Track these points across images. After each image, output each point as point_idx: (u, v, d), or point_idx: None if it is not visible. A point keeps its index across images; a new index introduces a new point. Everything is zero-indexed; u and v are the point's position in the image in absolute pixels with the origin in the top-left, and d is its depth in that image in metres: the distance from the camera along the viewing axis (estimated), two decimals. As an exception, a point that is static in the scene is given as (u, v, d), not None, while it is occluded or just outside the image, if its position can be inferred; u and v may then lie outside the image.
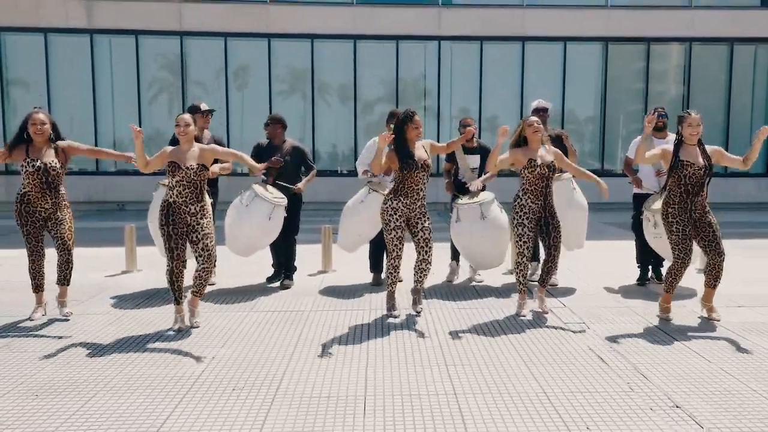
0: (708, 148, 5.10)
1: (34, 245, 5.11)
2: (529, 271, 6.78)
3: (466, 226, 6.06)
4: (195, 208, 4.89)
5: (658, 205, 5.80)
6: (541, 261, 5.70)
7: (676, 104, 16.45)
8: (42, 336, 4.76)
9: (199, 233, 4.89)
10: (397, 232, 5.19)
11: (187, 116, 5.00)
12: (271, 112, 16.02)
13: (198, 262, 4.92)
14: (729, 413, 3.39)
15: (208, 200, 5.05)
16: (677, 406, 3.48)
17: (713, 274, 5.03)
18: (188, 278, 5.11)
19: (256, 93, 16.37)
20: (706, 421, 3.30)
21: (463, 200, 6.24)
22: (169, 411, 3.39)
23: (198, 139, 5.30)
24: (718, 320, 5.11)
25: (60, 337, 4.71)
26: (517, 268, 5.40)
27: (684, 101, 16.40)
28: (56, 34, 16.01)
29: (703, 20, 16.18)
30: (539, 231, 5.40)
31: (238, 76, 16.51)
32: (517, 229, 5.30)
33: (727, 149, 16.56)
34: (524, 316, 5.32)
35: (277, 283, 6.60)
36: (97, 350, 4.43)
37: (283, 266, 6.60)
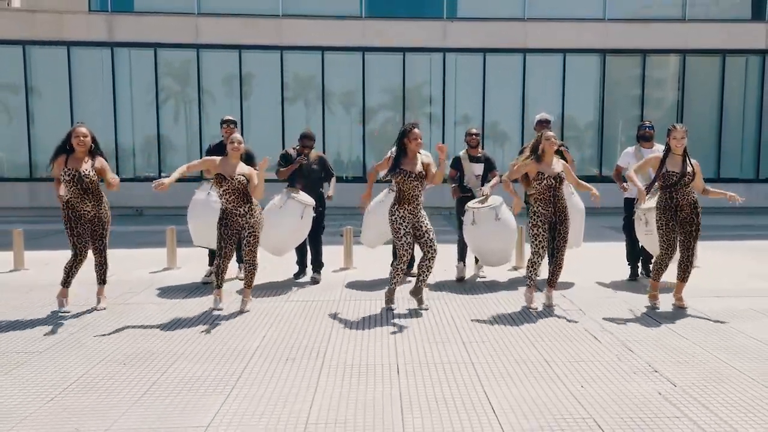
0: (693, 161, 5.83)
1: (80, 247, 5.70)
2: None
3: (483, 228, 6.72)
4: (243, 210, 5.70)
5: (649, 204, 6.49)
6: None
7: (671, 112, 17.26)
8: (110, 321, 5.49)
9: (246, 231, 5.72)
10: (407, 238, 5.78)
11: (239, 136, 5.84)
12: (283, 121, 16.96)
13: (244, 254, 5.78)
14: (698, 376, 4.13)
15: (255, 201, 5.82)
16: (656, 371, 4.22)
17: (682, 267, 5.81)
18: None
19: (269, 102, 17.14)
20: (678, 381, 4.04)
21: (476, 204, 6.92)
22: (239, 374, 4.13)
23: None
24: (686, 308, 5.86)
25: (125, 321, 5.45)
26: (531, 266, 6.02)
27: (679, 109, 17.18)
28: (78, 47, 16.79)
29: (697, 33, 16.96)
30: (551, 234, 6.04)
31: (251, 86, 17.28)
32: (532, 230, 5.95)
33: (719, 153, 17.26)
34: (535, 308, 5.93)
35: (304, 278, 7.32)
36: (163, 330, 5.17)
37: (312, 263, 7.33)
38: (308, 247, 7.40)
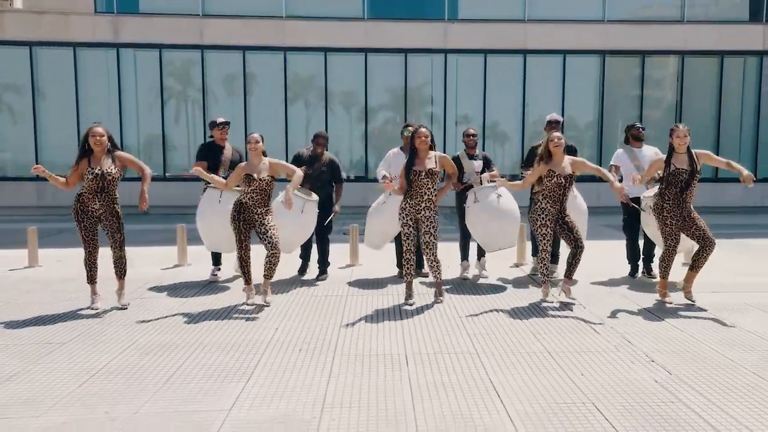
0: (697, 152, 5.97)
1: (89, 240, 5.88)
2: (533, 265, 7.72)
3: (483, 205, 6.87)
4: (261, 210, 5.95)
5: (654, 191, 6.67)
6: (566, 258, 6.32)
7: (670, 112, 17.49)
8: (128, 314, 5.70)
9: (264, 227, 5.93)
10: (405, 229, 6.10)
11: (257, 134, 6.04)
12: (286, 121, 17.17)
13: (267, 250, 5.94)
14: (693, 365, 4.34)
15: (272, 204, 6.06)
16: (653, 361, 4.43)
17: (702, 256, 5.90)
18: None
19: (272, 102, 17.34)
20: (674, 369, 4.25)
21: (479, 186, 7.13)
22: (255, 362, 4.34)
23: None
24: (694, 302, 6.03)
25: (143, 315, 5.66)
26: (541, 263, 6.24)
27: (677, 110, 17.40)
28: (84, 48, 16.99)
29: (695, 34, 17.18)
30: (560, 231, 6.19)
31: (255, 86, 17.47)
32: (541, 230, 6.14)
33: (717, 153, 17.60)
34: (551, 301, 6.15)
35: (308, 276, 7.50)
36: (180, 323, 5.39)
37: (319, 262, 7.51)
38: (314, 245, 7.58)
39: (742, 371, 4.21)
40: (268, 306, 5.96)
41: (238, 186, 6.31)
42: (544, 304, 6.09)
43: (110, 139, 5.94)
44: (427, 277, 7.27)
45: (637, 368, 4.28)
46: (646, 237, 7.26)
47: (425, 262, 6.25)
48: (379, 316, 5.68)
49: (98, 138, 5.81)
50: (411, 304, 6.08)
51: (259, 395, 3.76)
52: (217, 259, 7.41)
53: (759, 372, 4.19)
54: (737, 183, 16.66)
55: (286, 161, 7.38)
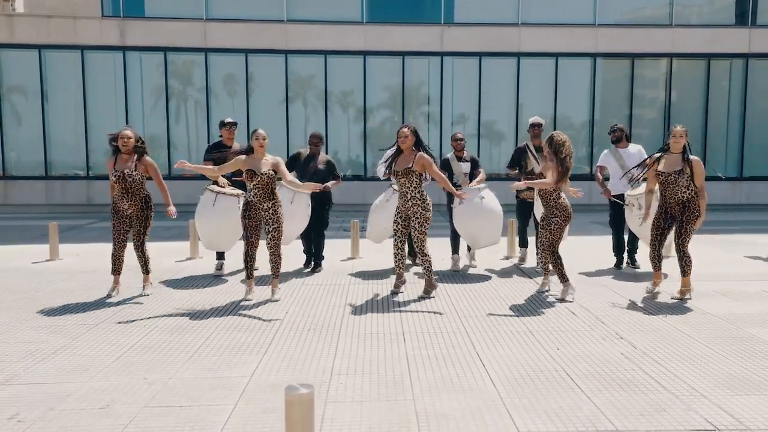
0: (691, 158, 6.22)
1: (116, 237, 6.39)
2: (519, 256, 8.34)
3: (467, 207, 7.39)
4: (267, 205, 6.21)
5: (638, 191, 7.32)
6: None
7: (659, 113, 18.09)
8: (150, 300, 6.27)
9: (271, 225, 6.21)
10: (395, 226, 6.52)
11: (263, 131, 6.30)
12: (287, 122, 17.71)
13: (267, 249, 6.28)
14: (656, 341, 4.91)
15: (278, 197, 6.33)
16: (621, 338, 5.00)
17: (680, 263, 6.21)
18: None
19: (274, 103, 17.89)
20: (639, 344, 4.82)
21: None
22: (270, 340, 4.91)
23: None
24: (685, 299, 6.26)
25: (164, 301, 6.23)
26: (542, 260, 6.71)
27: (666, 110, 17.99)
28: (92, 51, 17.53)
29: (683, 38, 17.78)
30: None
31: (257, 88, 18.01)
32: (556, 241, 6.30)
33: (704, 154, 18.03)
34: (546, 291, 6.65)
35: (310, 269, 8.05)
36: (198, 307, 5.95)
37: (314, 255, 8.03)
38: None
39: (697, 345, 4.79)
40: (276, 302, 6.22)
41: (230, 179, 6.75)
42: (530, 292, 6.65)
43: (141, 141, 6.36)
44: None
45: (606, 344, 4.85)
46: (630, 231, 7.81)
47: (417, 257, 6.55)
48: (378, 301, 6.24)
49: (125, 140, 6.22)
50: (397, 293, 6.54)
51: (275, 365, 4.33)
52: (220, 252, 7.84)
53: (711, 346, 4.77)
54: (725, 181, 17.43)
55: (286, 161, 7.90)
